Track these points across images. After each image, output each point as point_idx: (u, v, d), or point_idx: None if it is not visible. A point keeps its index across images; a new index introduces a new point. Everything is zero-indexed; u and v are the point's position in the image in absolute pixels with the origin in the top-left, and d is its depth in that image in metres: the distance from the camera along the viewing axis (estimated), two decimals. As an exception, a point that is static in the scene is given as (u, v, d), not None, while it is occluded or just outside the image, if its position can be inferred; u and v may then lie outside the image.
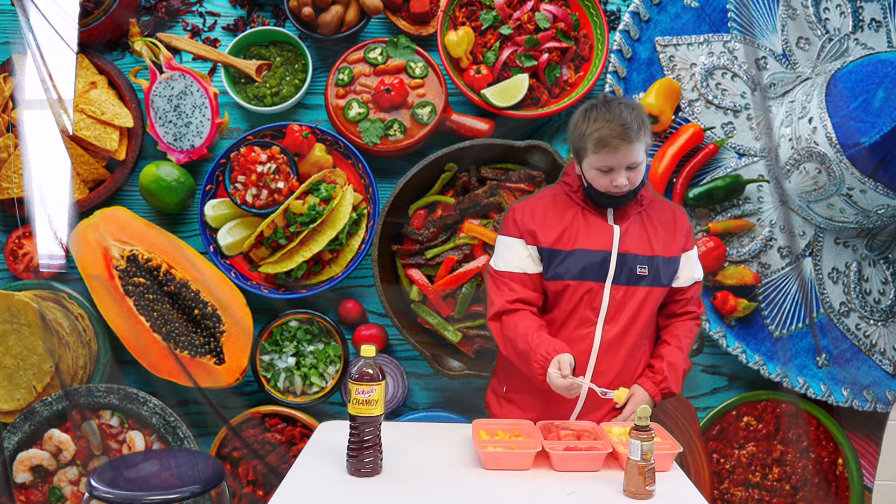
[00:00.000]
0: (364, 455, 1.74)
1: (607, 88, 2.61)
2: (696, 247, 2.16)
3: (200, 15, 2.68)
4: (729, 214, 2.63)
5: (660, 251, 2.05)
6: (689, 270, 2.12)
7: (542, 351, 1.92)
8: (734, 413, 2.69)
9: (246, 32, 2.61)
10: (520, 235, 2.06)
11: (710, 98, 2.63)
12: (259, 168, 2.51)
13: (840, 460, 2.71)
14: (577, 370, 2.02)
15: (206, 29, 2.68)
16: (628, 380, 2.08)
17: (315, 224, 2.50)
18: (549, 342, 1.94)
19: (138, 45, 2.56)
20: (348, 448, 1.76)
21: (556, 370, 1.87)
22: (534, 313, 2.06)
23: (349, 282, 2.71)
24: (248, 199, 2.53)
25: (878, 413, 2.66)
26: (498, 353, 2.26)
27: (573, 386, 1.87)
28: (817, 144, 2.42)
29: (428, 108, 2.58)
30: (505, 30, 2.60)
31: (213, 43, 2.67)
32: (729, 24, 2.65)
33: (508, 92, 2.57)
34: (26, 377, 2.51)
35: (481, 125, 2.61)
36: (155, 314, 2.54)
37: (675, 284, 2.11)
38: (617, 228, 2.03)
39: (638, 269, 2.02)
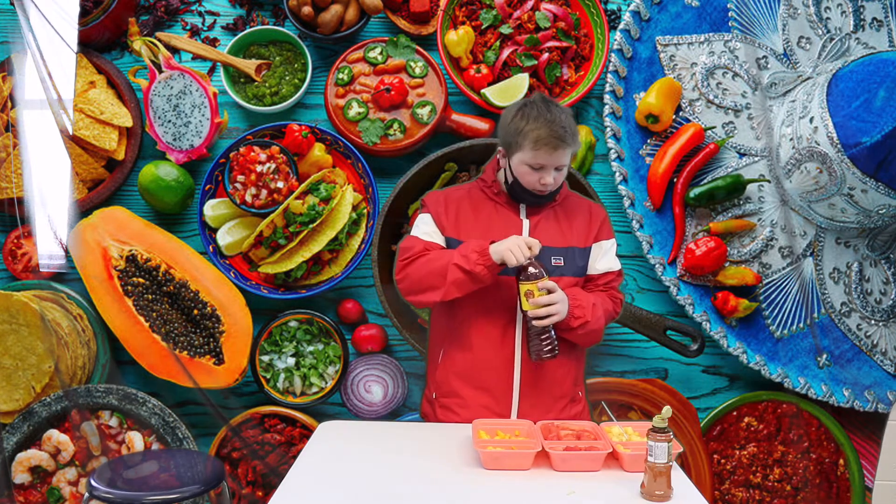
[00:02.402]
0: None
1: (608, 88, 2.61)
2: (613, 240, 2.15)
3: (200, 14, 2.68)
4: (730, 214, 2.63)
5: (574, 242, 2.08)
6: (600, 259, 2.11)
7: (472, 244, 1.93)
8: (735, 413, 2.68)
9: (245, 32, 2.61)
10: (429, 212, 2.09)
11: (711, 98, 2.63)
12: (258, 168, 2.50)
13: (841, 461, 2.70)
14: (501, 377, 2.03)
15: (205, 28, 2.68)
16: (562, 376, 2.06)
17: (315, 224, 2.50)
18: (476, 241, 1.95)
19: (137, 44, 2.55)
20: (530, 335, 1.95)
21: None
22: None
23: (349, 282, 2.70)
24: (248, 198, 2.53)
25: (880, 413, 2.66)
26: (427, 358, 2.23)
27: (524, 241, 1.88)
28: (818, 144, 2.42)
29: (428, 108, 2.58)
30: (505, 29, 2.59)
31: (213, 42, 2.67)
32: (730, 24, 2.65)
33: (509, 91, 2.57)
34: (25, 377, 2.50)
35: (481, 125, 2.60)
36: (154, 314, 2.53)
37: (589, 272, 2.11)
38: (526, 222, 2.06)
39: (552, 261, 2.03)
